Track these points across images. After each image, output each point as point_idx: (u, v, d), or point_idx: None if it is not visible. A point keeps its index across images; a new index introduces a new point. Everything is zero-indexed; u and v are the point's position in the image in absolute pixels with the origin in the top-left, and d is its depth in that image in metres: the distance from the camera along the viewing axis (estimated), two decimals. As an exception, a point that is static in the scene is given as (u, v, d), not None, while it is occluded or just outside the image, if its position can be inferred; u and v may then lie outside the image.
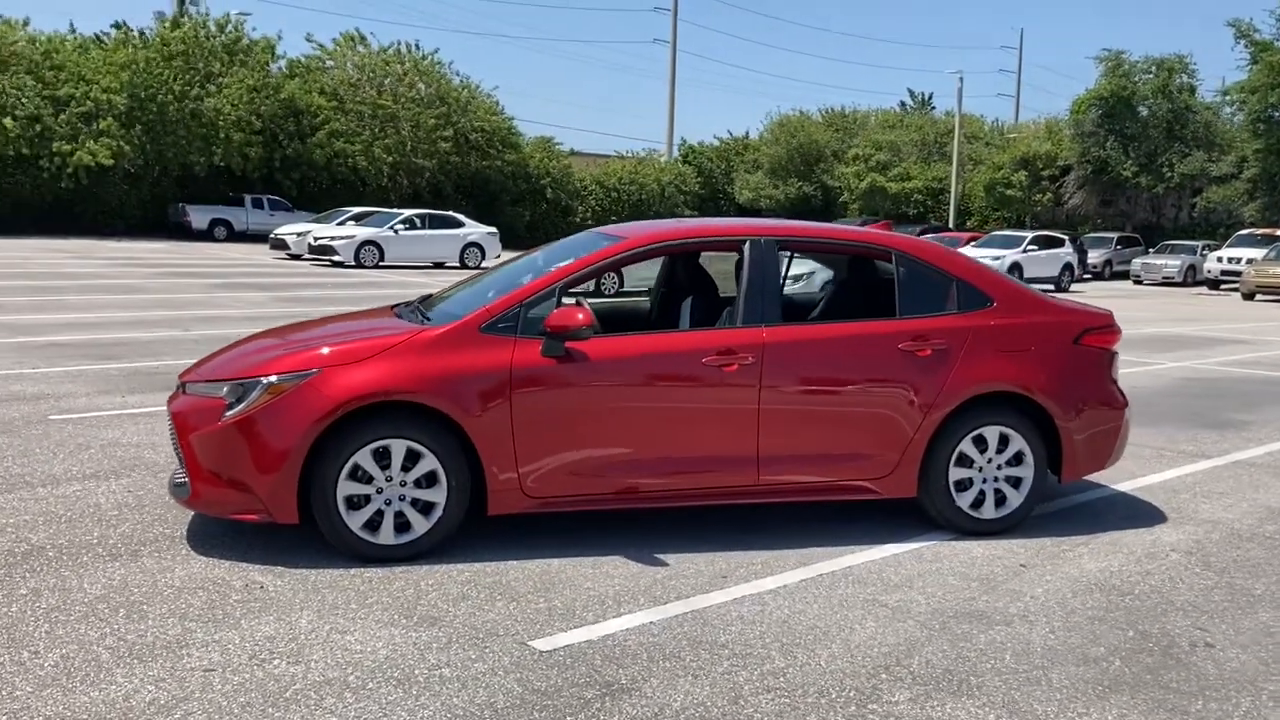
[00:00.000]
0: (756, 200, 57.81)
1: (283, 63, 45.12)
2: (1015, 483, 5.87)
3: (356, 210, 33.29)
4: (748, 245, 5.72)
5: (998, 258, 31.40)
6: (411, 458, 5.10)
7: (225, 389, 5.15)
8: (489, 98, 48.22)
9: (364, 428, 5.03)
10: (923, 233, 41.86)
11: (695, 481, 5.50)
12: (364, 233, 29.43)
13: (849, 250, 6.35)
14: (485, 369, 5.15)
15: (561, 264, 5.63)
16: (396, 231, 29.69)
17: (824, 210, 56.47)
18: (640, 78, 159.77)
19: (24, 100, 36.92)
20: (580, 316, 5.15)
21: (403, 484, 5.11)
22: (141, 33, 42.00)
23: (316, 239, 29.49)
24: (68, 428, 7.79)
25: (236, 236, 40.42)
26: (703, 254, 6.75)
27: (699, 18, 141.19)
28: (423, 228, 30.56)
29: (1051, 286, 32.60)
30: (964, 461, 5.78)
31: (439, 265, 30.42)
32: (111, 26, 42.55)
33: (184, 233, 39.99)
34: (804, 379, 5.56)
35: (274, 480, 4.96)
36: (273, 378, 5.07)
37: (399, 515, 5.12)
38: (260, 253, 32.98)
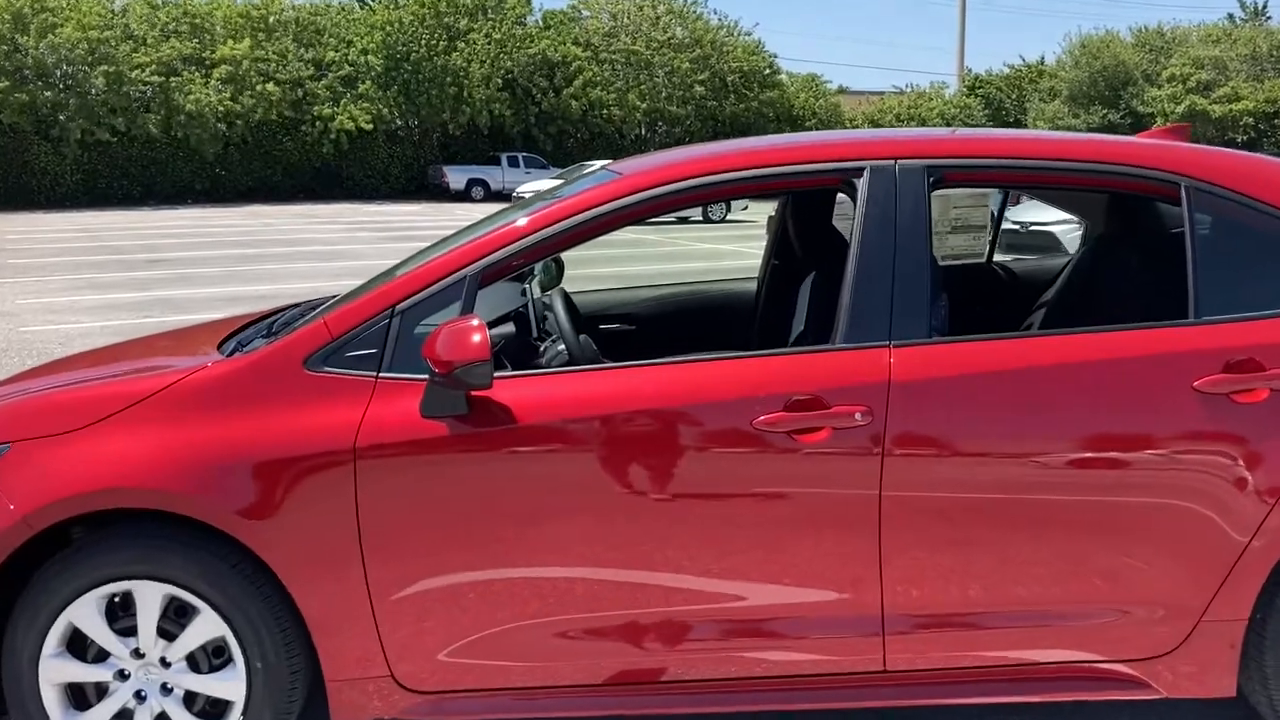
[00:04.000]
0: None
1: (538, 15, 43.97)
2: None
3: (598, 164, 31.56)
4: (866, 175, 2.82)
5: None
6: (179, 613, 2.66)
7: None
8: (748, 35, 45.13)
9: (82, 558, 2.63)
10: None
11: (752, 666, 2.74)
12: None
13: (1086, 180, 3.07)
14: (304, 443, 2.60)
15: (482, 233, 2.95)
16: None
17: (1133, 141, 49.74)
18: (923, 4, 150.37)
19: (287, 65, 37.44)
20: (476, 339, 2.50)
21: (164, 663, 2.67)
22: (401, -8, 41.86)
23: (552, 195, 28.07)
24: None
25: (493, 196, 39.76)
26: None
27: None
28: None
29: None
30: (1347, 626, 2.71)
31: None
32: (374, -14, 42.63)
33: (443, 194, 39.67)
34: (977, 453, 2.65)
35: (-74, 653, 2.65)
36: (-70, 460, 2.75)
37: (162, 720, 2.70)
38: (505, 211, 31.89)
